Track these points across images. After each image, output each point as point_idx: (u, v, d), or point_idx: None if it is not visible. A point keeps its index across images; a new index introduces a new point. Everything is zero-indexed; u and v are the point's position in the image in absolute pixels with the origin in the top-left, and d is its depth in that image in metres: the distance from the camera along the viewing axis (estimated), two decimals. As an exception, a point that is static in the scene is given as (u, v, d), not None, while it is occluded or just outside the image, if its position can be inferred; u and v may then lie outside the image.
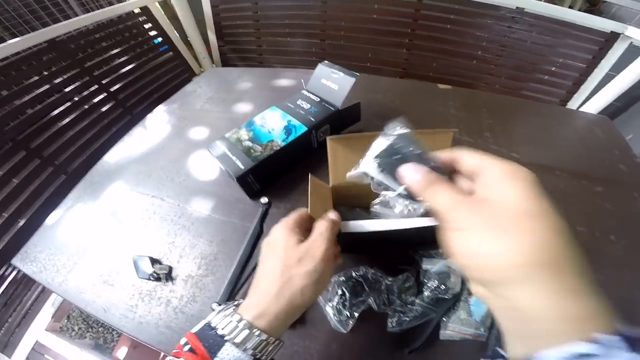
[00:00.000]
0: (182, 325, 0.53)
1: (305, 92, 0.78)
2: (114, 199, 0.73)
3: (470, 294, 0.51)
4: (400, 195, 0.29)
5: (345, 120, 0.77)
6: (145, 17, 1.48)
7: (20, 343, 1.23)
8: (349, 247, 0.58)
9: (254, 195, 0.67)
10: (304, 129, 0.68)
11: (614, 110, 1.53)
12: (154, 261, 0.59)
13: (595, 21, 1.12)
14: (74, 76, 1.22)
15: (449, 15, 1.32)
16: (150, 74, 1.48)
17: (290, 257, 0.35)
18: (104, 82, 1.30)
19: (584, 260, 0.20)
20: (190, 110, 0.96)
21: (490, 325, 0.48)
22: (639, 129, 1.44)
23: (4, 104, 1.05)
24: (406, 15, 1.37)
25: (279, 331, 0.33)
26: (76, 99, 1.21)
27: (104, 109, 1.28)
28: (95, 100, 1.26)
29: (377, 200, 0.33)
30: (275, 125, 0.70)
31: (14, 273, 1.18)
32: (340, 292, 0.50)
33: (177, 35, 1.62)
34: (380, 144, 0.30)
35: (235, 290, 0.54)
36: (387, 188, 0.30)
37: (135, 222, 0.67)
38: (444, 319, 0.49)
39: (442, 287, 0.50)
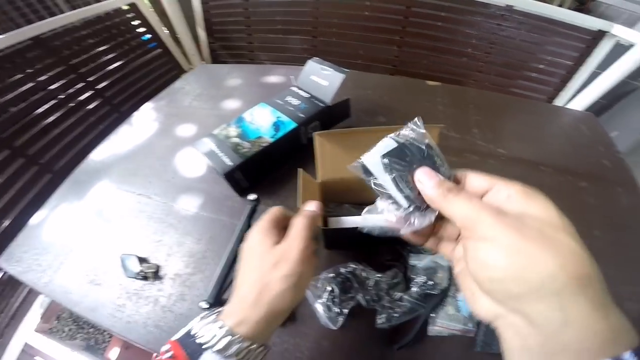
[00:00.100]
0: (171, 324, 0.52)
1: (294, 89, 0.77)
2: (100, 198, 0.72)
3: (458, 289, 0.51)
4: (407, 200, 0.28)
5: (335, 117, 0.77)
6: (133, 14, 1.45)
7: (9, 345, 1.21)
8: (338, 244, 0.58)
9: (242, 192, 0.67)
10: (293, 125, 0.68)
11: (600, 107, 1.56)
12: (141, 260, 0.59)
13: (583, 19, 1.13)
14: (60, 74, 1.19)
15: (439, 12, 1.33)
16: (139, 71, 1.45)
17: (265, 262, 0.34)
18: (90, 79, 1.27)
19: (602, 275, 0.20)
20: (178, 108, 0.95)
21: (478, 320, 0.49)
22: (623, 126, 1.47)
23: (-13, 102, 1.02)
24: (397, 13, 1.37)
25: (263, 337, 0.32)
26: (62, 96, 1.18)
27: (90, 106, 1.26)
28: (82, 98, 1.24)
29: (372, 207, 0.31)
30: (264, 122, 0.69)
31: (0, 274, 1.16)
32: (329, 288, 0.51)
33: (166, 32, 1.60)
34: (390, 143, 0.29)
35: (223, 288, 0.54)
36: (384, 189, 0.29)
37: (122, 221, 0.66)
38: (432, 314, 0.50)
39: (430, 282, 0.50)
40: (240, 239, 0.59)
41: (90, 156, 0.82)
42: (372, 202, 0.60)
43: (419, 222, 0.28)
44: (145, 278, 0.57)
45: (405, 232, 0.29)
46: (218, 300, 0.52)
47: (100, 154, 0.82)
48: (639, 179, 0.72)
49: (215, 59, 1.74)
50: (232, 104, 0.94)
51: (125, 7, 1.43)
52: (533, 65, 1.30)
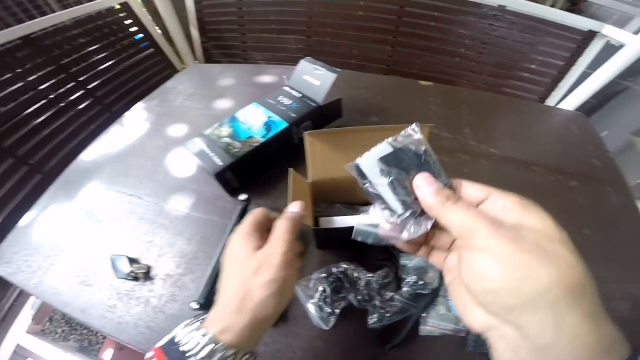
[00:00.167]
0: (162, 324, 0.52)
1: (287, 88, 0.77)
2: (90, 198, 0.71)
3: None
4: (402, 206, 0.27)
5: (327, 116, 0.77)
6: (125, 13, 1.44)
7: (1, 346, 1.19)
8: (329, 244, 0.58)
9: (233, 192, 0.67)
10: (284, 124, 0.67)
11: (590, 107, 1.58)
12: (131, 261, 0.58)
13: (574, 19, 1.14)
14: (50, 73, 1.17)
15: (432, 12, 1.33)
16: (130, 70, 1.44)
17: (247, 268, 0.33)
18: (81, 79, 1.26)
19: (596, 286, 0.20)
20: (170, 107, 0.94)
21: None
22: (613, 125, 1.49)
23: (-25, 102, 1.01)
24: (390, 12, 1.37)
25: (249, 344, 0.31)
26: (52, 96, 1.17)
27: (81, 106, 1.24)
28: (72, 97, 1.22)
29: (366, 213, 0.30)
30: (255, 122, 0.69)
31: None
32: (321, 288, 0.50)
33: (159, 31, 1.59)
34: (386, 147, 0.28)
35: (214, 288, 0.53)
36: (378, 194, 0.28)
37: (113, 222, 0.66)
38: (423, 314, 0.50)
39: (421, 282, 0.50)
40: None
41: (80, 156, 0.81)
42: (363, 202, 0.60)
43: (415, 229, 0.27)
44: (136, 279, 0.56)
45: (400, 240, 0.28)
46: (209, 300, 0.52)
47: (90, 154, 0.82)
48: (628, 178, 0.73)
49: (209, 58, 1.73)
50: (224, 103, 0.93)
51: (117, 6, 1.42)
52: (525, 65, 1.31)
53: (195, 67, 1.20)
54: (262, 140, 0.65)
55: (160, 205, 0.68)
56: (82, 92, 1.26)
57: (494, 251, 0.21)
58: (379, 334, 0.49)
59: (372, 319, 0.49)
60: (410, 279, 0.51)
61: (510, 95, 1.37)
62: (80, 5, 1.28)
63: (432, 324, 0.49)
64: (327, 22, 1.50)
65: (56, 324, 1.30)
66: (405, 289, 0.51)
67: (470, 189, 0.26)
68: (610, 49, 1.10)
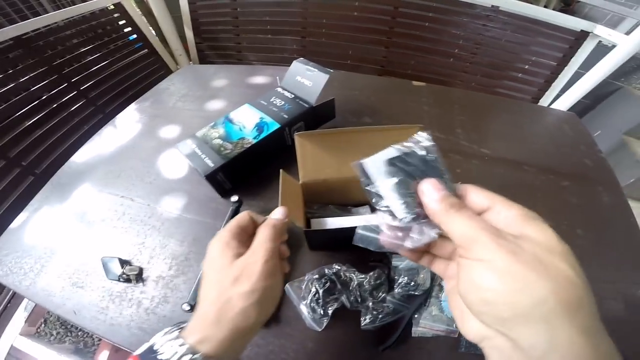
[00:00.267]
0: (154, 326, 0.52)
1: (279, 90, 0.77)
2: (82, 200, 0.71)
3: (441, 290, 0.51)
4: (406, 209, 0.26)
5: (320, 117, 0.77)
6: (118, 14, 1.44)
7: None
8: (321, 245, 0.58)
9: (225, 193, 0.66)
10: (277, 126, 0.67)
11: (583, 107, 1.59)
12: (123, 262, 0.58)
13: (566, 20, 1.15)
14: (43, 74, 1.17)
15: (427, 13, 1.34)
16: (124, 71, 1.43)
17: (225, 278, 0.31)
18: (74, 80, 1.25)
19: (595, 300, 0.20)
20: (163, 108, 0.94)
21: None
22: (605, 125, 1.50)
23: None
24: (385, 13, 1.38)
25: (229, 354, 0.30)
26: (44, 97, 1.16)
27: (74, 107, 1.24)
28: (65, 98, 1.22)
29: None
30: (247, 123, 0.69)
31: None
32: (313, 290, 0.50)
33: (153, 32, 1.58)
34: (393, 151, 0.27)
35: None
36: (380, 196, 0.27)
37: (104, 223, 0.66)
38: (415, 315, 0.50)
39: (412, 283, 0.50)
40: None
41: (72, 158, 0.81)
42: (356, 203, 0.60)
43: (418, 238, 0.27)
44: (128, 280, 0.56)
45: (403, 248, 0.27)
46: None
47: (83, 155, 0.81)
48: (620, 178, 0.74)
49: (203, 59, 1.73)
50: (217, 104, 0.93)
51: (111, 7, 1.41)
52: (518, 66, 1.32)
53: (189, 68, 1.19)
54: (254, 141, 0.65)
55: (152, 207, 0.67)
56: (75, 93, 1.25)
57: (493, 262, 0.21)
58: (372, 335, 0.49)
59: (365, 320, 0.49)
60: (402, 280, 0.51)
61: (503, 95, 1.37)
62: (73, 6, 1.27)
63: (425, 325, 0.49)
64: (322, 23, 1.50)
65: (51, 326, 1.28)
66: (397, 290, 0.50)
67: (476, 197, 0.26)
68: (603, 50, 1.11)
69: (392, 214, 0.27)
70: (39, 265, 0.60)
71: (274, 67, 1.07)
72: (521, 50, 1.28)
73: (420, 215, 0.26)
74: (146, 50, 1.55)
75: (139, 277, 0.57)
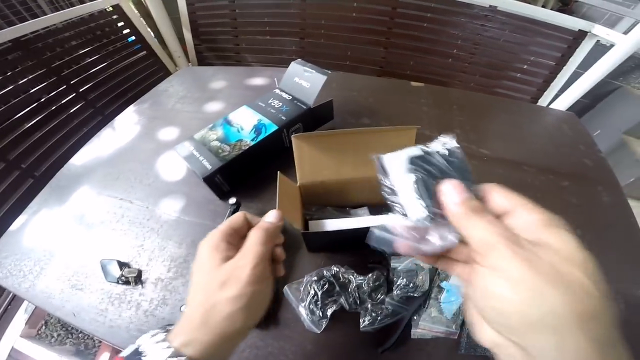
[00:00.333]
0: (153, 328, 0.51)
1: (277, 91, 0.77)
2: (81, 203, 0.71)
3: (440, 292, 0.51)
4: (424, 209, 0.25)
5: (318, 119, 0.77)
6: (117, 16, 1.44)
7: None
8: (320, 247, 0.58)
9: (223, 195, 0.66)
10: (274, 127, 0.67)
11: (582, 107, 1.59)
12: (122, 265, 0.58)
13: (564, 19, 1.15)
14: (41, 76, 1.17)
15: (425, 13, 1.34)
16: (123, 73, 1.43)
17: (212, 281, 0.31)
18: (73, 82, 1.25)
19: (615, 311, 0.20)
20: (161, 110, 0.94)
21: (462, 323, 0.49)
22: (605, 125, 1.50)
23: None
24: (384, 14, 1.38)
25: (215, 359, 0.30)
26: (43, 99, 1.16)
27: (73, 109, 1.24)
28: (64, 101, 1.22)
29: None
30: (245, 125, 0.69)
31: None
32: (312, 292, 0.50)
33: (152, 33, 1.58)
34: (417, 150, 0.27)
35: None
36: (395, 193, 0.27)
37: (103, 226, 0.65)
38: (414, 317, 0.50)
39: (411, 285, 0.50)
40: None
41: (71, 160, 0.81)
42: (354, 204, 0.60)
43: (439, 243, 0.26)
44: (126, 283, 0.56)
45: (421, 251, 0.26)
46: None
47: (81, 158, 0.81)
48: (620, 177, 0.73)
49: (202, 60, 1.73)
50: (215, 106, 0.93)
51: (110, 9, 1.41)
52: (516, 66, 1.32)
53: (188, 69, 1.19)
54: (252, 143, 0.65)
55: (150, 210, 0.67)
56: (74, 95, 1.25)
57: (508, 272, 0.21)
58: (371, 337, 0.49)
59: (364, 322, 0.48)
60: (401, 281, 0.51)
61: (502, 95, 1.37)
62: (72, 8, 1.27)
63: (424, 327, 0.49)
64: (321, 24, 1.50)
65: (52, 327, 1.28)
66: (396, 292, 0.50)
67: (499, 198, 0.25)
68: (601, 49, 1.11)
69: (404, 213, 0.26)
70: (38, 267, 0.60)
71: (272, 69, 1.08)
72: (520, 50, 1.28)
73: (437, 215, 0.26)
74: (145, 52, 1.55)
75: (138, 279, 0.57)
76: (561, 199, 0.69)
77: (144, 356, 0.29)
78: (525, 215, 0.23)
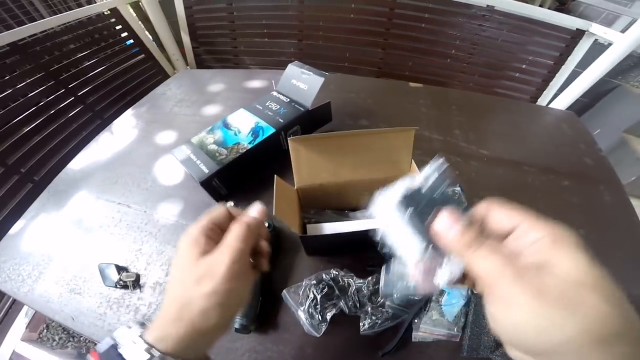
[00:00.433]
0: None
1: (275, 93, 0.77)
2: (79, 207, 0.71)
3: (441, 294, 0.51)
4: (423, 242, 0.25)
5: (316, 121, 0.77)
6: (115, 19, 1.43)
7: (-3, 354, 1.18)
8: (318, 250, 0.57)
9: (221, 199, 0.66)
10: (272, 130, 0.67)
11: (582, 106, 1.59)
12: (120, 269, 0.58)
13: (561, 19, 1.15)
14: (39, 80, 1.17)
15: (423, 14, 1.33)
16: (121, 76, 1.43)
17: (189, 276, 0.30)
18: (71, 85, 1.25)
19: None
20: (159, 114, 0.94)
21: (464, 325, 0.48)
22: (605, 124, 1.50)
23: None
24: (381, 15, 1.38)
25: (188, 353, 0.30)
26: (42, 103, 1.16)
27: (71, 113, 1.24)
28: (62, 104, 1.21)
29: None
30: (243, 128, 0.69)
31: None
32: (311, 295, 0.50)
33: (150, 37, 1.58)
34: (406, 184, 0.27)
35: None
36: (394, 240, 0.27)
37: (101, 230, 0.65)
38: (415, 320, 0.49)
39: (411, 287, 0.50)
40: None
41: (69, 165, 0.81)
42: (353, 207, 0.59)
43: (442, 275, 0.25)
44: (125, 287, 0.56)
45: (435, 288, 0.26)
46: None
47: (80, 162, 0.81)
48: (621, 176, 0.73)
49: (200, 63, 1.73)
50: (213, 109, 0.93)
51: (107, 12, 1.41)
52: (515, 65, 1.32)
53: (186, 72, 1.19)
54: (249, 146, 0.65)
55: (148, 214, 0.67)
56: (72, 99, 1.25)
57: (517, 302, 0.20)
58: (372, 340, 0.48)
59: (364, 326, 0.48)
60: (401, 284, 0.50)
61: (502, 95, 1.37)
62: (69, 11, 1.27)
63: (425, 330, 0.48)
64: (319, 26, 1.50)
65: (53, 331, 1.29)
66: (396, 295, 0.50)
67: (499, 216, 0.25)
68: (599, 48, 1.11)
69: (411, 254, 0.26)
70: (37, 272, 0.60)
71: (270, 71, 1.07)
72: (518, 49, 1.28)
73: (436, 248, 0.26)
74: (143, 55, 1.55)
75: (136, 283, 0.57)
76: (562, 198, 0.68)
77: (120, 347, 0.29)
78: (531, 233, 0.23)
